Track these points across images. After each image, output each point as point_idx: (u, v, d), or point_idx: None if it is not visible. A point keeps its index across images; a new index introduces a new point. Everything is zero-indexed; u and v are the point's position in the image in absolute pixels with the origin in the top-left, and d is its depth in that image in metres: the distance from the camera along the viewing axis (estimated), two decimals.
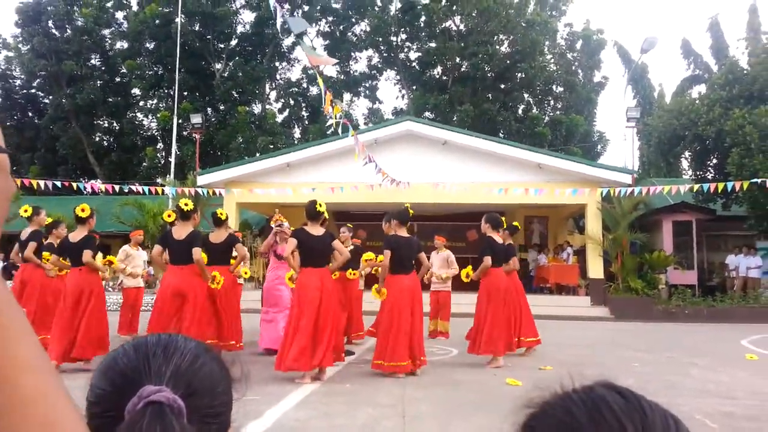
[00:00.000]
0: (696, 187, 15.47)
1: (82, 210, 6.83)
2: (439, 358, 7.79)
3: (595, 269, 15.54)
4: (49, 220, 7.96)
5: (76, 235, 6.85)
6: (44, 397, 0.45)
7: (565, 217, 19.57)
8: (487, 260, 7.05)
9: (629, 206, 15.34)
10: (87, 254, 6.68)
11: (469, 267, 7.92)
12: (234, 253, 7.72)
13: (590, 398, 0.56)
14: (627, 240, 15.35)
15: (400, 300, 6.43)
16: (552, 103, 32.80)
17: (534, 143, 23.93)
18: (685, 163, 24.49)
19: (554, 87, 32.27)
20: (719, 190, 14.24)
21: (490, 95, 30.92)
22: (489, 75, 30.56)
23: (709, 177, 17.94)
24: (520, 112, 31.54)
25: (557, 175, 15.56)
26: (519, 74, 30.69)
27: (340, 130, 9.79)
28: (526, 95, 32.03)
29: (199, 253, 6.48)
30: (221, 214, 7.69)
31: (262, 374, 6.24)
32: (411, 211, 6.88)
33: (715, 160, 18.12)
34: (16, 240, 8.07)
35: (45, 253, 7.46)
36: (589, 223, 15.86)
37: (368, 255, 8.46)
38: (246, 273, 8.72)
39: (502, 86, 31.20)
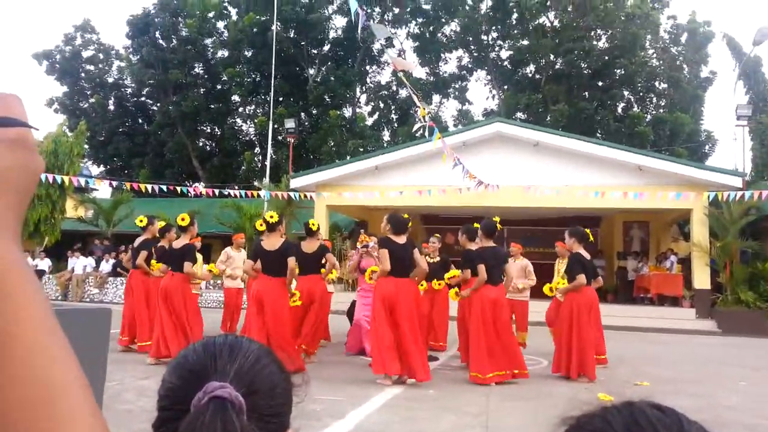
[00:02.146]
0: None
1: (182, 219, 7.22)
2: (529, 368, 7.55)
3: (702, 279, 14.55)
4: (162, 224, 8.25)
5: (179, 243, 7.26)
6: (43, 351, 0.45)
7: (668, 222, 18.47)
8: (581, 278, 6.75)
9: (739, 211, 14.36)
10: (188, 266, 7.08)
11: (560, 281, 7.63)
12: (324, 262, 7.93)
13: (629, 410, 0.56)
14: (737, 248, 14.39)
15: (485, 313, 6.39)
16: (654, 100, 31.10)
17: (634, 144, 22.76)
18: None
19: (657, 83, 30.59)
20: None
21: (586, 93, 29.76)
22: (585, 72, 29.42)
23: None
24: (619, 110, 30.15)
25: (659, 177, 14.70)
26: (618, 71, 29.33)
27: (426, 133, 9.77)
28: (626, 93, 30.57)
29: (293, 262, 6.66)
30: (313, 225, 7.88)
31: (348, 375, 6.32)
32: (499, 226, 6.77)
33: None
34: (126, 239, 8.68)
35: (153, 261, 7.88)
36: (694, 230, 14.87)
37: (453, 272, 8.29)
38: (332, 274, 8.90)
39: (600, 84, 29.92)
